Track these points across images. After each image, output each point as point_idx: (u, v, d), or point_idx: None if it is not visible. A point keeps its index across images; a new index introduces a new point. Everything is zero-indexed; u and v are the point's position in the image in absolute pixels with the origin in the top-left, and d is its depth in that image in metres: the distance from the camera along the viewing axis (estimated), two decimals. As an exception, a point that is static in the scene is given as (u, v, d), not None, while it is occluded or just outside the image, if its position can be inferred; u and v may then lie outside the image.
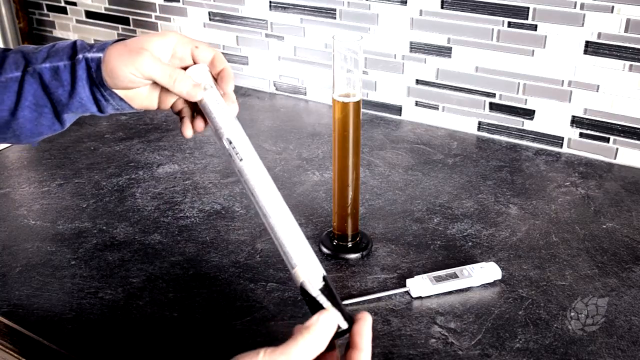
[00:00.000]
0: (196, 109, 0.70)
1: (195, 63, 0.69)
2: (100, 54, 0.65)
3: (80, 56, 0.65)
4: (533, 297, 0.77)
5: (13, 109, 0.66)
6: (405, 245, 0.86)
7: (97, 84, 0.65)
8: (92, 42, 0.70)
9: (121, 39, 0.67)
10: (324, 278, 0.58)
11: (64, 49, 0.66)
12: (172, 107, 0.70)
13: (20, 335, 0.73)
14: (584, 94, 1.07)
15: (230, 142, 0.65)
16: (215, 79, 0.69)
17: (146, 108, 0.70)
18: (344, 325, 0.55)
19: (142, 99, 0.69)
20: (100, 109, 0.68)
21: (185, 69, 0.68)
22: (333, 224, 0.86)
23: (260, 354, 0.49)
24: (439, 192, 1.00)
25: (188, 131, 0.69)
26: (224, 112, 0.67)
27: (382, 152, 1.13)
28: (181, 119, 0.70)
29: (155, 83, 0.67)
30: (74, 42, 0.67)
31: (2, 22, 1.36)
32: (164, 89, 0.68)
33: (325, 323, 0.51)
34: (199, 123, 0.69)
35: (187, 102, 0.70)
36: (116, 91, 0.66)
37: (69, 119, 0.70)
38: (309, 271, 0.58)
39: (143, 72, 0.64)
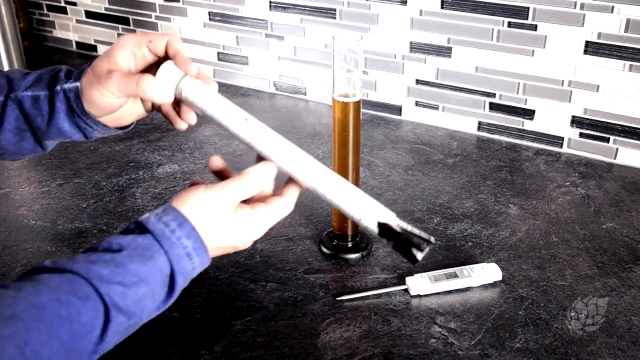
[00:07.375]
0: (177, 103, 0.67)
1: (154, 57, 0.66)
2: (77, 83, 0.64)
3: (58, 87, 0.65)
4: (533, 297, 0.77)
5: None
6: (405, 245, 0.86)
7: (79, 113, 0.65)
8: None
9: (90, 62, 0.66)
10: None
11: (45, 78, 0.66)
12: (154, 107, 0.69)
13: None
14: (584, 94, 1.07)
15: (247, 119, 0.62)
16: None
17: (138, 118, 0.69)
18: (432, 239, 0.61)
19: (131, 113, 0.68)
20: (86, 136, 0.68)
21: (151, 67, 0.66)
22: (333, 224, 0.86)
23: (201, 189, 0.59)
24: (439, 192, 1.00)
25: (182, 124, 0.67)
26: (218, 97, 0.63)
27: (382, 152, 1.13)
28: (166, 116, 0.68)
29: None
30: (57, 71, 0.67)
31: (2, 22, 1.36)
32: None
33: (261, 171, 0.60)
34: (190, 116, 0.67)
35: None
36: (103, 119, 0.66)
37: (51, 144, 0.70)
38: (378, 214, 0.61)
39: (120, 92, 0.62)
